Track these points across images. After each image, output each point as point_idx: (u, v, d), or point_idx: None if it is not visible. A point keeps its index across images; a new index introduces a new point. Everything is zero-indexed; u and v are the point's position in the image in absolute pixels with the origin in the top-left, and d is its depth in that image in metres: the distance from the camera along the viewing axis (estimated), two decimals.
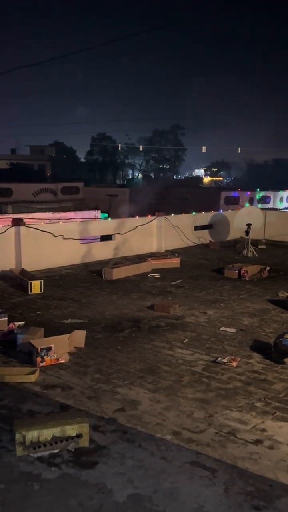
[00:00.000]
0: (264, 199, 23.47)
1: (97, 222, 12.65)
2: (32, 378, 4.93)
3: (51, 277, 9.79)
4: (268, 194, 24.20)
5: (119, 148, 63.35)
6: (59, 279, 9.66)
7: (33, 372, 5.00)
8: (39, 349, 5.34)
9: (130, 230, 12.12)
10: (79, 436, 3.75)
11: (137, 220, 12.55)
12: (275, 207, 23.12)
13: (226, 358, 5.59)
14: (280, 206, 24.03)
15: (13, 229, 10.05)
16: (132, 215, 13.32)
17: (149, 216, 12.81)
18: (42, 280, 8.72)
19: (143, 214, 13.09)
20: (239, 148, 40.78)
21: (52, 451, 3.68)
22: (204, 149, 37.24)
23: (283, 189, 25.63)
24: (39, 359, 5.32)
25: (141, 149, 62.56)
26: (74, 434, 3.74)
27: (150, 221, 12.68)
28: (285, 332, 5.98)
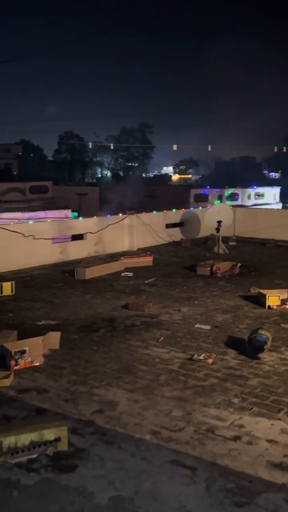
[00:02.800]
0: (233, 196, 23.74)
1: (68, 221, 12.53)
2: (7, 382, 4.83)
3: (22, 278, 9.63)
4: (236, 191, 24.49)
5: (90, 147, 62.75)
6: (30, 280, 9.51)
7: (7, 376, 4.90)
8: (12, 352, 5.24)
9: (102, 229, 12.06)
10: (57, 440, 3.69)
11: (109, 218, 12.49)
12: (243, 204, 23.42)
13: (202, 355, 5.62)
14: (249, 203, 24.36)
15: None
16: (103, 214, 13.25)
17: (121, 214, 12.76)
18: (13, 282, 8.56)
19: (114, 212, 13.04)
20: (209, 146, 40.97)
21: (30, 456, 3.62)
22: (175, 147, 37.31)
23: (251, 186, 26.00)
24: (13, 362, 5.22)
25: (111, 147, 62.19)
26: (52, 438, 3.68)
27: (122, 220, 12.64)
28: (258, 327, 6.05)
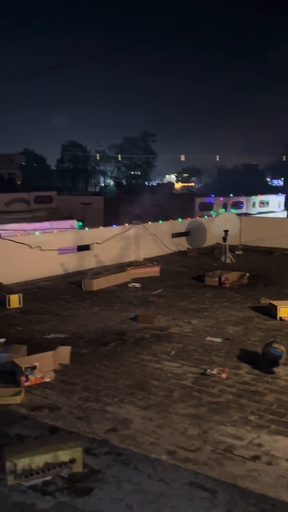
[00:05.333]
0: (238, 205, 23.65)
1: (74, 232, 12.46)
2: (18, 399, 4.74)
3: (29, 290, 9.55)
4: (241, 200, 24.40)
5: (98, 158, 62.75)
6: (37, 292, 9.43)
7: (18, 393, 4.81)
8: (23, 368, 5.15)
9: (108, 240, 11.99)
10: (72, 461, 3.60)
11: (115, 229, 12.43)
12: (248, 212, 23.32)
13: (215, 369, 5.52)
14: (254, 211, 24.27)
15: None
16: (108, 224, 13.19)
17: (126, 224, 12.70)
18: (21, 294, 8.47)
19: (119, 222, 12.97)
20: (217, 156, 41.07)
21: (44, 479, 3.52)
22: (183, 157, 37.29)
23: (256, 194, 25.92)
24: (23, 378, 5.13)
25: (119, 159, 62.28)
26: (67, 460, 3.59)
27: (128, 230, 12.58)
28: (272, 341, 5.95)
